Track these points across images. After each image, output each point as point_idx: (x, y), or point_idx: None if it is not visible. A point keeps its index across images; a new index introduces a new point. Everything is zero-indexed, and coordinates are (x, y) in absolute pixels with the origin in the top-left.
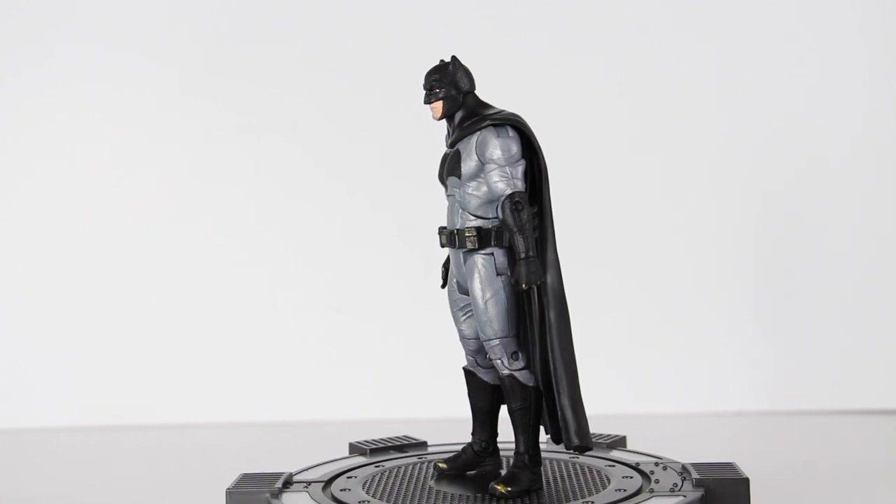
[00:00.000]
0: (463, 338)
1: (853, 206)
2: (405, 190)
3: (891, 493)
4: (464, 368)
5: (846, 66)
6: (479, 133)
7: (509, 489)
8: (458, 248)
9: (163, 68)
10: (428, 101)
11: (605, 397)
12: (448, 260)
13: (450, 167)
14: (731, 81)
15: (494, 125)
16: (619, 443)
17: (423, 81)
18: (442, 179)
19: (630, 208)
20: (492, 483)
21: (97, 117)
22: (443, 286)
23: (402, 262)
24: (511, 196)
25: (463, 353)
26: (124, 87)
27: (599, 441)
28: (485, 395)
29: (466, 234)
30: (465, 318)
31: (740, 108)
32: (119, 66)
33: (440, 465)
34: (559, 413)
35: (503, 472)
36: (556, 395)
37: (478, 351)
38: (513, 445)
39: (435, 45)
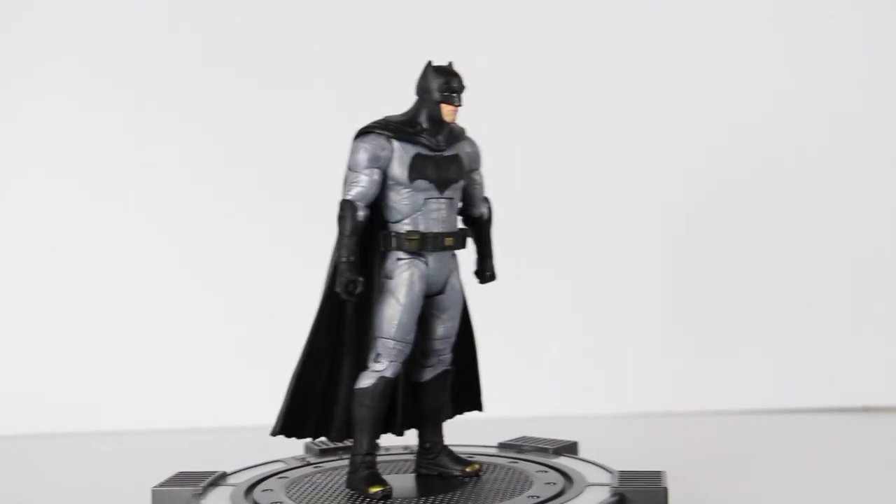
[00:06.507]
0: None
1: (850, 204)
2: None
3: (886, 492)
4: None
5: (812, 66)
6: (465, 141)
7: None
8: (459, 249)
9: (152, 69)
10: (459, 103)
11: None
12: (354, 264)
13: (460, 170)
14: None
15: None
16: (568, 449)
17: (448, 82)
18: (445, 182)
19: (595, 203)
20: (463, 469)
21: (75, 128)
22: (355, 294)
23: None
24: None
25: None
26: (122, 86)
27: (546, 446)
28: None
29: (466, 236)
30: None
31: (691, 104)
32: (108, 65)
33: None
34: (476, 382)
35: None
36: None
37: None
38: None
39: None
